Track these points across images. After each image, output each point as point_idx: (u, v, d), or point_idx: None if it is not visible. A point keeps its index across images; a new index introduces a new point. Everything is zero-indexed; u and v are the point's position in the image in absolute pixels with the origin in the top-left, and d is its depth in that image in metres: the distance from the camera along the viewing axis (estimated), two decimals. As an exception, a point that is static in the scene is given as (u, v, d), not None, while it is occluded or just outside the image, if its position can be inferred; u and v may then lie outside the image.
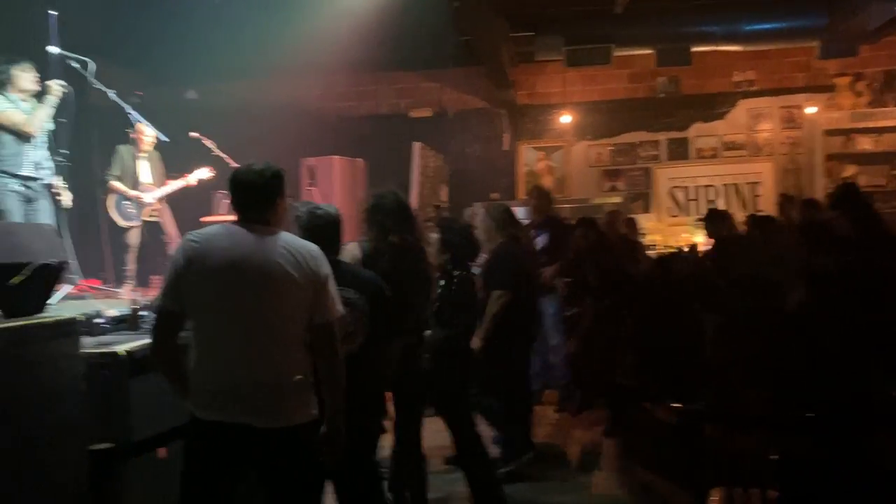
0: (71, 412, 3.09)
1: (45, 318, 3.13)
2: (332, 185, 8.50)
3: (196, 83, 9.80)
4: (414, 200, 8.45)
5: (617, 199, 9.69)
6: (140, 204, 6.31)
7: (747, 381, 3.07)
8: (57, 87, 5.03)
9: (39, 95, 5.06)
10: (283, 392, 2.51)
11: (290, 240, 2.61)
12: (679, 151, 9.94)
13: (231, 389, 2.45)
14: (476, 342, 4.37)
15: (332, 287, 2.62)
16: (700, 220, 7.52)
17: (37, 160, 4.94)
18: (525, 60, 9.49)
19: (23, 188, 4.91)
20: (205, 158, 6.56)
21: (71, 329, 3.15)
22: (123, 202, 6.39)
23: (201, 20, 8.06)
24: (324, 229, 3.08)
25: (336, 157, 8.64)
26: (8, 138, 4.88)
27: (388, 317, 3.16)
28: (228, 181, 2.63)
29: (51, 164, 5.15)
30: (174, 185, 6.44)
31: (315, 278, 2.54)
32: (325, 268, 2.60)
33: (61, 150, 5.11)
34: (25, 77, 4.99)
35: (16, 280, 2.98)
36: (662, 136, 9.97)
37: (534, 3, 8.03)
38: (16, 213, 4.85)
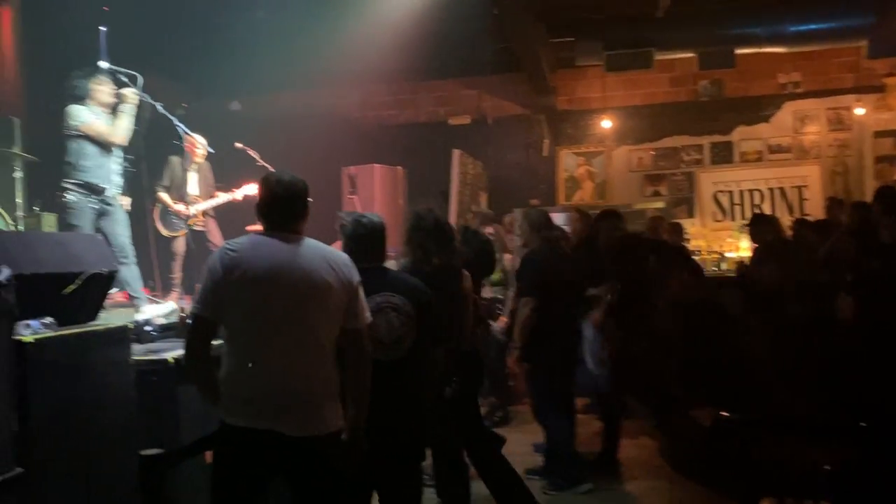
0: (121, 418, 3.16)
1: (97, 326, 3.21)
2: (372, 193, 8.57)
3: (240, 95, 9.98)
4: (453, 208, 8.47)
5: (659, 205, 9.58)
6: (182, 217, 6.44)
7: (798, 390, 2.99)
8: (133, 95, 5.08)
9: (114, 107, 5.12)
10: (315, 400, 2.53)
11: (322, 248, 2.65)
12: (723, 155, 9.78)
13: (265, 397, 2.48)
14: (514, 354, 4.37)
15: (362, 294, 2.66)
16: (746, 224, 7.38)
17: (115, 171, 5.03)
18: (565, 66, 9.46)
19: (100, 204, 4.99)
20: (249, 169, 6.66)
21: (122, 337, 3.23)
22: (168, 213, 6.54)
23: (244, 33, 8.23)
24: (368, 237, 3.11)
25: (376, 165, 8.71)
26: (92, 149, 4.93)
27: (435, 323, 3.16)
28: (260, 191, 2.66)
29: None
30: (220, 199, 6.56)
31: (349, 285, 2.58)
32: (357, 274, 2.64)
33: (127, 157, 5.22)
34: (102, 90, 5.05)
35: (69, 289, 3.06)
36: (705, 140, 9.82)
37: (573, 8, 8.01)
38: (87, 230, 4.90)
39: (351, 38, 8.54)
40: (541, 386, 4.73)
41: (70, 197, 4.89)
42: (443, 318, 3.33)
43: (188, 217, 6.43)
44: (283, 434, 2.45)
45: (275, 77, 9.17)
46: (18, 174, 6.20)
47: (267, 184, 2.65)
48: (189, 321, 2.66)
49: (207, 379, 2.56)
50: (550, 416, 4.73)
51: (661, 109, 9.85)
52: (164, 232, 6.60)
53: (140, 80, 4.87)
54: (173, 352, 3.47)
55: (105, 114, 5.01)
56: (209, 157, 6.65)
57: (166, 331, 3.99)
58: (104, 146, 4.95)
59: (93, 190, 4.92)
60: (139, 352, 3.47)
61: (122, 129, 4.98)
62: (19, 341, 2.68)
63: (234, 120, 9.44)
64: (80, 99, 4.94)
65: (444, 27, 8.20)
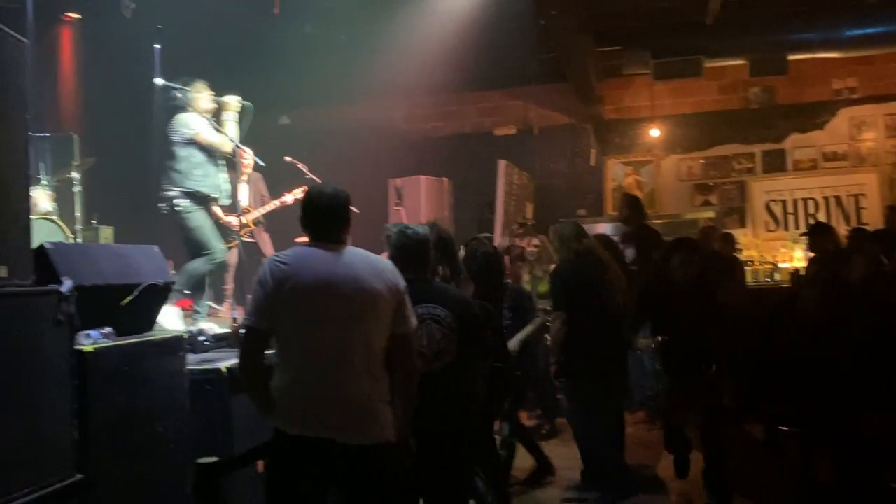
0: (176, 426, 3.22)
1: (154, 336, 3.28)
2: (418, 204, 8.61)
3: (288, 109, 10.13)
4: (498, 218, 8.46)
5: (710, 214, 9.40)
6: (233, 228, 6.54)
7: (866, 405, 2.87)
8: (235, 102, 5.12)
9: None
10: (370, 408, 2.55)
11: (368, 256, 2.68)
12: (775, 163, 9.56)
13: (319, 405, 2.50)
14: (553, 368, 4.33)
15: (409, 299, 2.68)
16: (803, 234, 7.20)
17: (223, 179, 5.09)
18: (612, 75, 9.39)
19: (205, 210, 5.09)
20: (298, 181, 6.75)
21: (177, 346, 3.29)
22: (219, 224, 6.66)
23: (293, 48, 8.37)
24: (413, 248, 3.12)
25: (422, 176, 8.75)
26: (201, 158, 4.98)
27: (479, 337, 3.15)
28: (304, 204, 2.70)
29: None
30: (270, 206, 6.66)
31: (396, 291, 2.61)
32: (402, 280, 2.66)
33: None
34: (203, 97, 5.10)
35: (126, 300, 3.13)
36: (757, 148, 9.63)
37: (620, 17, 7.94)
38: (208, 230, 5.02)
39: (397, 51, 8.61)
40: (572, 398, 4.66)
41: (182, 203, 4.95)
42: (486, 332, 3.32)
43: (239, 228, 6.53)
44: (338, 442, 2.47)
45: (322, 91, 9.30)
46: (77, 188, 6.40)
47: (310, 197, 2.71)
48: (242, 332, 2.69)
49: (261, 389, 2.59)
50: (580, 429, 4.65)
51: (710, 117, 9.69)
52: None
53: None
54: (226, 361, 3.52)
55: (210, 122, 5.03)
56: (261, 169, 6.76)
57: (219, 341, 4.06)
58: (212, 155, 5.00)
59: (200, 199, 4.98)
60: (193, 361, 3.53)
61: (230, 138, 5.02)
62: (80, 351, 2.75)
63: (283, 134, 9.58)
64: (181, 108, 4.99)
65: (490, 39, 8.20)
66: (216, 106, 5.10)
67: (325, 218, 2.64)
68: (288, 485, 2.52)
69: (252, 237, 6.71)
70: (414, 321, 2.69)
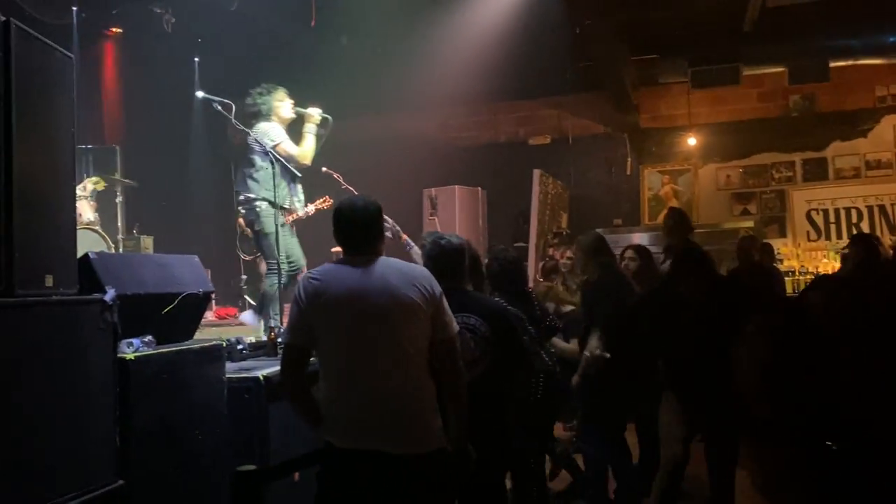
0: (214, 434, 3.25)
1: (193, 344, 3.32)
2: (453, 213, 8.63)
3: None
4: (533, 228, 8.43)
5: (749, 224, 9.24)
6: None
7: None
8: (316, 115, 5.14)
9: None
10: (415, 417, 2.54)
11: (401, 265, 2.69)
12: (816, 172, 9.38)
13: (364, 417, 2.50)
14: (575, 378, 4.22)
15: (446, 304, 2.67)
16: (845, 248, 7.03)
17: (300, 190, 5.11)
18: (648, 83, 9.32)
19: (281, 220, 5.11)
20: (334, 192, 6.78)
21: (217, 355, 3.33)
22: (244, 235, 6.76)
23: (329, 60, 8.46)
24: (448, 258, 3.12)
25: (457, 186, 8.77)
26: (278, 169, 4.96)
27: (513, 345, 3.13)
28: (335, 219, 2.71)
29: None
30: (291, 218, 6.72)
31: (433, 298, 2.60)
32: (438, 286, 2.65)
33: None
34: (284, 106, 5.11)
35: (167, 309, 3.18)
36: (797, 157, 9.46)
37: (657, 25, 7.88)
38: (273, 240, 5.01)
39: (431, 62, 8.66)
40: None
41: (261, 206, 4.99)
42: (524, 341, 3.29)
43: None
44: (387, 453, 2.47)
45: (357, 101, 9.37)
46: (119, 199, 6.54)
47: (340, 210, 2.71)
48: (281, 350, 2.71)
49: (307, 403, 2.60)
50: (587, 441, 4.49)
51: (749, 126, 9.55)
52: (242, 255, 6.81)
53: (234, 108, 5.05)
54: (264, 370, 3.55)
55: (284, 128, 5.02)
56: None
57: (257, 349, 4.09)
58: (287, 166, 5.02)
59: (273, 205, 5.02)
60: (231, 369, 3.56)
61: (309, 150, 5.04)
62: (122, 358, 2.79)
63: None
64: (263, 115, 5.01)
65: (524, 48, 8.20)
66: (294, 116, 5.12)
67: (355, 231, 2.65)
68: (338, 498, 2.52)
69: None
70: (455, 326, 2.68)
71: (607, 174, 9.97)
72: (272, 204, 4.99)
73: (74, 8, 7.27)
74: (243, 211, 5.14)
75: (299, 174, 5.10)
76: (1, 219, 2.28)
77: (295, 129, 5.25)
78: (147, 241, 7.09)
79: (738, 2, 7.23)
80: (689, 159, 9.81)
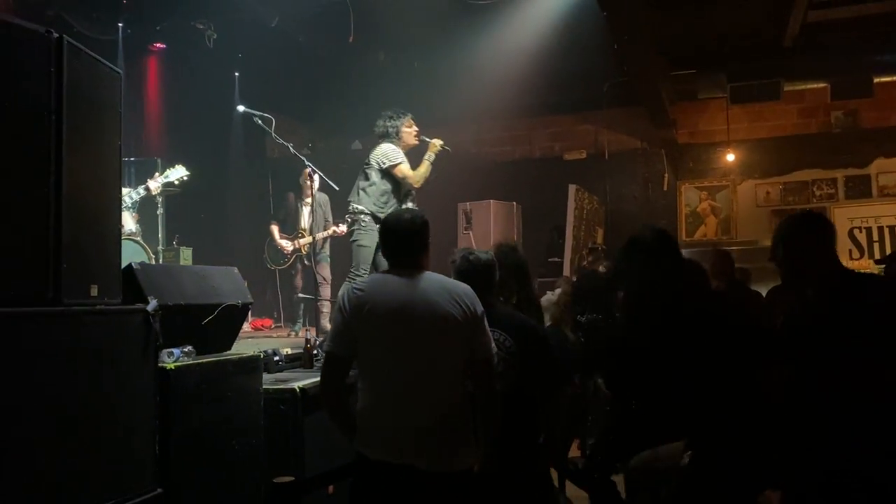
0: (251, 444, 3.28)
1: (232, 355, 3.36)
2: (487, 228, 8.61)
3: (361, 135, 10.32)
4: (568, 243, 8.38)
5: (789, 241, 9.06)
6: (286, 252, 6.69)
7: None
8: (437, 145, 5.41)
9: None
10: (448, 435, 2.53)
11: (445, 281, 2.68)
12: (859, 189, 9.19)
13: (397, 431, 2.50)
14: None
15: (486, 324, 2.66)
16: (878, 262, 6.86)
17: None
18: (685, 98, 9.24)
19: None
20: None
21: (254, 366, 3.37)
22: (274, 245, 6.84)
23: (366, 75, 8.56)
24: (477, 273, 3.10)
25: (491, 200, 8.76)
26: (389, 187, 5.20)
27: (543, 362, 3.10)
28: (381, 230, 2.75)
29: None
30: (321, 235, 6.78)
31: (474, 316, 2.59)
32: (480, 305, 2.65)
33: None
34: (411, 133, 5.38)
35: (207, 320, 3.22)
36: (839, 174, 9.27)
37: (695, 40, 7.82)
38: (372, 252, 5.14)
39: (467, 77, 8.70)
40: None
41: (366, 218, 5.18)
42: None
43: (290, 252, 6.66)
44: (418, 469, 2.46)
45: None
46: (160, 211, 6.66)
47: (387, 223, 2.74)
48: (323, 358, 2.72)
49: (343, 413, 2.61)
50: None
51: (789, 142, 9.40)
52: (269, 264, 6.88)
53: (273, 122, 5.13)
54: (300, 381, 3.58)
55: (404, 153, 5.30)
56: (334, 193, 6.90)
57: (293, 361, 4.13)
58: (400, 186, 5.25)
59: (377, 220, 5.14)
60: (267, 381, 3.60)
61: (421, 175, 5.29)
62: (163, 368, 2.84)
63: (355, 158, 9.76)
64: (389, 137, 5.26)
65: (560, 63, 8.20)
66: (418, 143, 5.39)
67: (399, 243, 2.67)
68: None
69: (307, 262, 6.83)
70: (493, 347, 2.67)
71: (644, 190, 9.88)
72: (375, 219, 5.14)
73: (120, 24, 7.46)
74: (349, 220, 5.36)
75: (411, 195, 5.32)
76: (50, 230, 2.33)
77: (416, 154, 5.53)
78: (186, 253, 7.19)
79: (778, 17, 7.14)
80: (728, 175, 9.68)
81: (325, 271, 6.91)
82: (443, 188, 9.09)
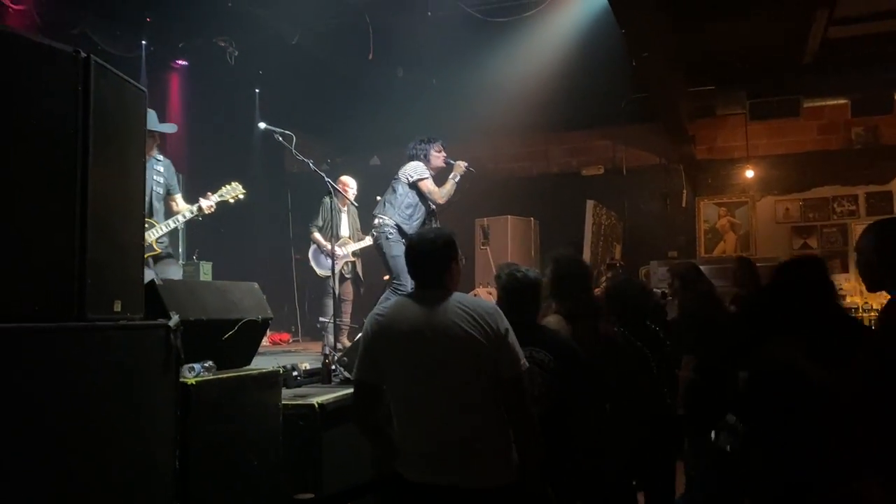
0: (270, 460, 3.28)
1: (252, 370, 3.37)
2: (505, 243, 8.62)
3: (380, 150, 10.39)
4: (586, 258, 8.35)
5: (809, 258, 8.98)
6: (338, 258, 6.70)
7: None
8: (462, 166, 5.76)
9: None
10: (481, 453, 2.51)
11: (465, 300, 2.65)
12: (881, 206, 9.10)
13: (432, 453, 2.49)
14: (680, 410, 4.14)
15: (514, 340, 2.60)
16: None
17: (423, 223, 5.57)
18: (704, 114, 9.21)
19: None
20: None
21: (273, 381, 3.37)
22: (320, 253, 6.85)
23: (385, 91, 8.62)
24: (523, 291, 3.09)
25: (509, 216, 8.76)
26: (414, 200, 5.59)
27: (583, 381, 3.08)
28: (405, 251, 2.75)
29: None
30: (364, 243, 6.80)
31: (496, 334, 2.54)
32: (504, 322, 2.59)
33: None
34: (439, 157, 5.75)
35: (228, 335, 3.24)
36: (860, 190, 9.21)
37: (714, 57, 7.81)
38: (403, 259, 5.31)
39: (484, 92, 8.73)
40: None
41: (392, 232, 5.52)
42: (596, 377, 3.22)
43: (342, 257, 6.67)
44: (458, 487, 2.45)
45: (411, 132, 9.48)
46: (181, 226, 6.70)
47: (410, 243, 2.74)
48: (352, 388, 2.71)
49: (379, 438, 2.61)
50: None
51: (809, 158, 9.35)
52: (318, 272, 6.89)
53: (294, 139, 5.17)
54: (319, 397, 3.59)
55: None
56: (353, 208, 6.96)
57: (311, 376, 4.14)
58: (425, 200, 5.62)
59: (402, 233, 5.52)
60: (286, 396, 3.60)
61: (446, 192, 5.68)
62: (184, 383, 2.85)
63: (374, 174, 9.82)
64: (418, 158, 5.65)
65: (577, 79, 8.21)
66: (445, 166, 5.77)
67: (422, 264, 2.66)
68: None
69: (354, 269, 6.86)
70: (524, 363, 2.61)
71: (662, 205, 9.83)
72: (401, 231, 5.47)
73: (143, 42, 7.57)
74: (375, 233, 5.66)
75: (428, 208, 5.65)
76: (76, 247, 2.36)
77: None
78: (206, 267, 7.26)
79: (798, 33, 7.11)
80: (747, 192, 9.63)
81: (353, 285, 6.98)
82: (460, 204, 9.10)
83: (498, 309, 2.64)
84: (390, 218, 5.53)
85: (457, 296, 2.64)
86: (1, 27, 2.45)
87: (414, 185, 5.58)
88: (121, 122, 2.68)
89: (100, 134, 2.49)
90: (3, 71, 2.18)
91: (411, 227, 5.50)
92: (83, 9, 6.99)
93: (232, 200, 5.12)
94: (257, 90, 8.93)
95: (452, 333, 2.51)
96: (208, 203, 4.98)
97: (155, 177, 4.97)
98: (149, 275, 4.30)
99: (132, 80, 2.79)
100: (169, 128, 5.38)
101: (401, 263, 5.18)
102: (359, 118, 8.75)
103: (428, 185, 5.59)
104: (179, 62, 8.44)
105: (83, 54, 2.45)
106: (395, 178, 5.68)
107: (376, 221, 5.61)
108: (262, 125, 5.14)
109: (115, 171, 2.62)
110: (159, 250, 4.95)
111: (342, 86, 8.75)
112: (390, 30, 7.52)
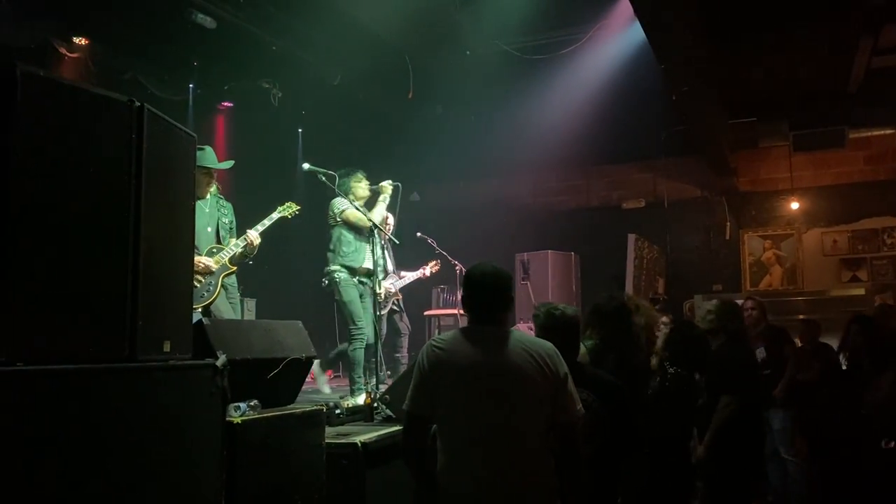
0: (314, 499, 3.28)
1: (296, 408, 3.39)
2: (545, 278, 8.57)
3: (419, 186, 10.47)
4: (628, 293, 8.26)
5: (859, 291, 8.74)
6: (390, 294, 6.71)
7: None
8: (388, 185, 5.74)
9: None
10: (528, 496, 2.46)
11: (526, 339, 2.60)
12: (932, 237, 8.86)
13: (476, 494, 2.44)
14: (701, 451, 4.06)
15: (571, 385, 2.56)
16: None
17: (376, 254, 5.43)
18: (746, 146, 9.12)
19: (359, 284, 5.57)
20: (428, 256, 6.92)
21: (317, 420, 3.38)
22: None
23: (424, 128, 8.73)
24: (561, 329, 3.04)
25: (549, 251, 8.73)
26: (350, 236, 5.56)
27: (627, 423, 3.03)
28: (465, 283, 2.68)
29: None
30: (412, 276, 6.83)
31: (555, 377, 2.50)
32: (564, 366, 2.55)
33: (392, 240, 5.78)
34: (361, 186, 5.69)
35: (272, 374, 3.28)
36: (911, 221, 8.97)
37: (756, 88, 7.75)
38: (357, 304, 5.48)
39: (524, 128, 8.79)
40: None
41: (339, 275, 5.50)
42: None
43: (393, 294, 6.67)
44: None
45: (451, 168, 9.58)
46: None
47: (471, 277, 2.66)
48: (404, 417, 2.69)
49: (423, 473, 2.57)
50: None
51: (856, 189, 9.15)
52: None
53: (337, 179, 5.27)
54: (361, 436, 3.58)
55: (361, 205, 5.59)
56: (394, 245, 6.98)
57: (354, 414, 4.14)
58: (361, 232, 5.56)
59: (352, 272, 5.52)
60: (329, 434, 3.60)
61: (377, 212, 5.60)
62: (230, 422, 2.88)
63: (413, 210, 9.90)
64: (341, 194, 5.55)
65: (617, 112, 8.22)
66: (370, 194, 5.70)
67: (483, 299, 2.61)
68: None
69: (398, 305, 6.88)
70: (580, 409, 2.57)
71: (705, 238, 9.71)
72: (348, 269, 5.49)
73: (191, 85, 7.81)
74: (325, 281, 5.62)
75: (376, 239, 5.37)
76: (128, 289, 2.42)
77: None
78: (250, 304, 7.35)
79: (841, 63, 7.04)
80: (792, 224, 9.45)
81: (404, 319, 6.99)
82: (500, 239, 9.17)
83: (557, 351, 2.59)
84: (332, 264, 5.53)
85: (517, 334, 2.60)
86: (63, 80, 2.55)
87: (341, 223, 5.54)
88: (171, 166, 2.76)
89: (152, 180, 2.56)
90: (65, 122, 2.27)
91: (356, 260, 5.51)
92: (133, 55, 7.26)
93: (289, 216, 5.25)
94: (300, 130, 9.12)
95: (514, 373, 2.47)
96: (254, 234, 5.06)
97: (222, 210, 5.09)
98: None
99: (181, 126, 2.88)
100: (227, 164, 5.51)
101: (354, 308, 5.44)
102: (399, 155, 8.86)
103: (349, 215, 5.51)
104: (225, 104, 8.66)
105: (137, 103, 2.54)
106: (327, 226, 5.65)
107: (327, 273, 5.57)
108: (305, 166, 5.23)
109: (165, 215, 2.69)
110: (234, 268, 5.04)
111: (383, 124, 8.90)
112: (429, 69, 7.64)
